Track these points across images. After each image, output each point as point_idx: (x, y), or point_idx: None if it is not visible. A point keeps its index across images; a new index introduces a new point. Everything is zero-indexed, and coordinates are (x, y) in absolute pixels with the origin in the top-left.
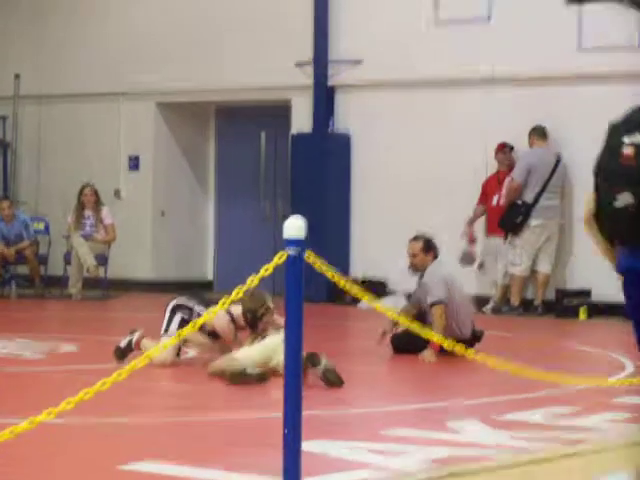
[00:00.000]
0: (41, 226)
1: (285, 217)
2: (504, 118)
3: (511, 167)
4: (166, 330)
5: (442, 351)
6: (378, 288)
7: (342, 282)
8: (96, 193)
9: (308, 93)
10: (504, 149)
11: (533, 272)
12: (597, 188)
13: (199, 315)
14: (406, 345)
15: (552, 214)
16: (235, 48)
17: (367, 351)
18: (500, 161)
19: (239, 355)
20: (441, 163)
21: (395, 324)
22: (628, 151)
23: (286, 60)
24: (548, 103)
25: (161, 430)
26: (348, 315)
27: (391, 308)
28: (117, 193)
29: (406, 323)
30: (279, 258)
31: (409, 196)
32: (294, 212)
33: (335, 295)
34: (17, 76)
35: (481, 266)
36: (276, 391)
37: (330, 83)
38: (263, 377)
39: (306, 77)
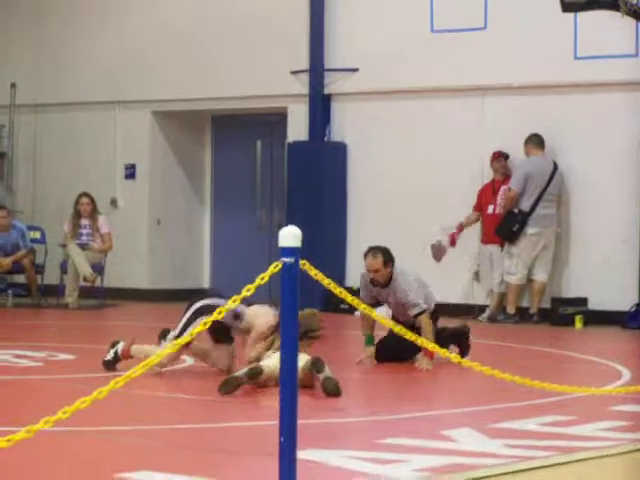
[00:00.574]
0: (37, 235)
1: (281, 226)
2: (500, 127)
3: (506, 176)
4: (181, 333)
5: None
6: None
7: (337, 290)
8: (93, 202)
9: (304, 102)
10: (499, 158)
11: (529, 281)
12: None
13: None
14: (394, 352)
15: (548, 222)
16: (231, 57)
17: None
18: (496, 170)
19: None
20: (437, 172)
21: (369, 355)
22: None
23: (282, 69)
24: (544, 112)
25: (157, 439)
26: (344, 323)
27: (385, 316)
28: (113, 202)
29: (402, 332)
30: (275, 267)
31: (405, 205)
32: (290, 221)
33: (331, 304)
34: (13, 85)
35: (476, 275)
36: (272, 399)
37: (326, 92)
38: (255, 373)
39: (302, 86)
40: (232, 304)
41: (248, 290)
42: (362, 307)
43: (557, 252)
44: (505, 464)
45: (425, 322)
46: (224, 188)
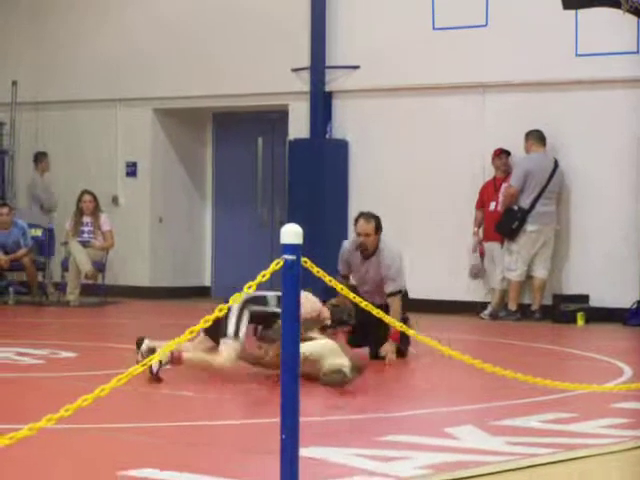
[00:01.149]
0: (38, 233)
1: (282, 223)
2: (501, 124)
3: (508, 173)
4: (237, 331)
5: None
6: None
7: (339, 287)
8: (95, 199)
9: (305, 99)
10: (501, 155)
11: (529, 277)
12: None
13: (273, 313)
14: (362, 339)
15: (548, 220)
16: (232, 54)
17: (364, 356)
18: (497, 167)
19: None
20: (438, 169)
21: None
22: None
23: (283, 66)
24: (545, 109)
25: (159, 437)
26: None
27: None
28: (115, 199)
29: (368, 307)
30: (276, 264)
31: (406, 202)
32: (291, 218)
33: None
34: (14, 83)
35: (473, 272)
36: (273, 396)
37: (327, 89)
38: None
39: (303, 83)
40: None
41: (250, 287)
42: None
43: (558, 249)
44: (507, 461)
45: (397, 304)
46: (225, 185)
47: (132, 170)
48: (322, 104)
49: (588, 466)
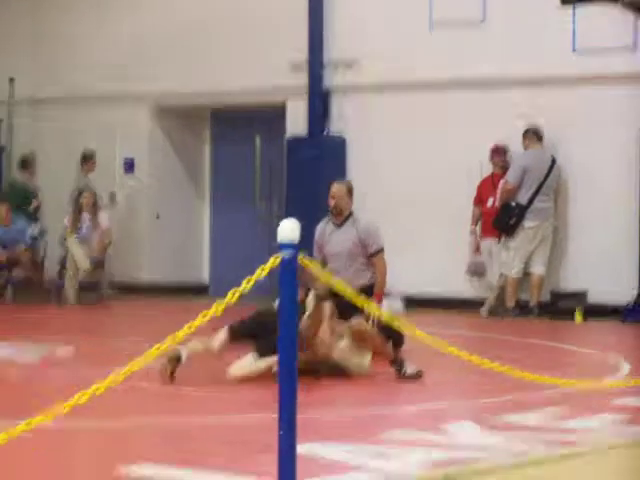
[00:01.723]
0: (36, 230)
1: (280, 218)
2: (499, 120)
3: (506, 169)
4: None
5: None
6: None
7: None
8: (95, 197)
9: (303, 96)
10: (499, 151)
11: (527, 274)
12: None
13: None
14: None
15: (546, 216)
16: (230, 51)
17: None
18: (495, 163)
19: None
20: (436, 166)
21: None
22: None
23: (281, 63)
24: (543, 105)
25: (156, 433)
26: None
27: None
28: (113, 196)
29: (341, 289)
30: (274, 261)
31: (404, 198)
32: (288, 215)
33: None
34: (12, 80)
35: (471, 271)
36: (271, 392)
37: (325, 86)
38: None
39: (301, 80)
40: None
41: (248, 282)
42: (360, 301)
43: (556, 245)
44: (505, 457)
45: (381, 262)
46: (223, 182)
47: (130, 167)
48: (320, 101)
49: (586, 461)
